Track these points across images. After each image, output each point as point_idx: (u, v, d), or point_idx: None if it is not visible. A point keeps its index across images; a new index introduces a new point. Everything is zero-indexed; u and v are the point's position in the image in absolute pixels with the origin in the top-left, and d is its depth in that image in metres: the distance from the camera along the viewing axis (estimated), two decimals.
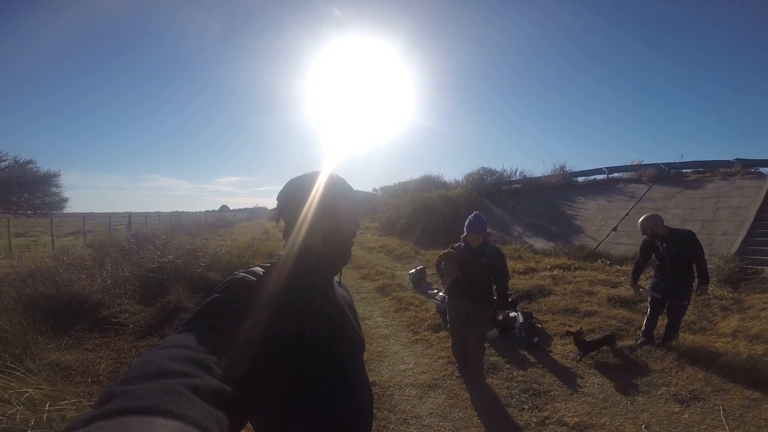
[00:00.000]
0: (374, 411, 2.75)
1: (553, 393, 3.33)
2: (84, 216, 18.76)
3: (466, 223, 3.27)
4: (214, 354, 0.55)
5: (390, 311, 5.81)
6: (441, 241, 11.11)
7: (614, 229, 8.94)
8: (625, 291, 5.56)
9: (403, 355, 4.18)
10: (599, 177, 12.74)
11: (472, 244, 3.23)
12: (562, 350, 4.13)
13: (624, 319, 4.70)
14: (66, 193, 19.29)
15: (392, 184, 23.78)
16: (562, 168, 13.75)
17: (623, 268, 6.88)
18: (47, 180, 18.32)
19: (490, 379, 3.55)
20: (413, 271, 7.59)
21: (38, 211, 18.35)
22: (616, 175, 12.32)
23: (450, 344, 4.32)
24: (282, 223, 1.04)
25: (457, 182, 17.36)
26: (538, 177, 14.28)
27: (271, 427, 0.91)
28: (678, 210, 8.66)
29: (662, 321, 4.07)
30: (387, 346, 4.46)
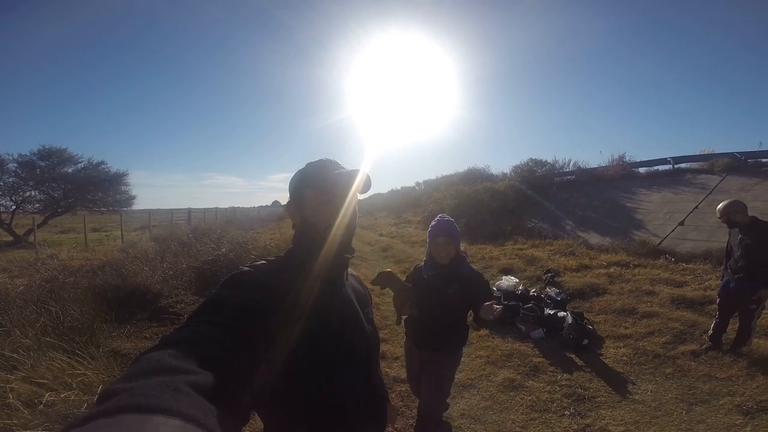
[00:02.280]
0: (403, 409, 2.68)
1: (599, 399, 3.08)
2: (149, 212, 20.32)
3: (429, 229, 2.21)
4: (216, 350, 0.55)
5: None
6: (486, 235, 10.77)
7: (681, 224, 8.14)
8: (692, 291, 5.04)
9: None
10: (663, 167, 11.64)
11: (440, 258, 2.11)
12: (615, 353, 3.82)
13: (688, 322, 4.25)
14: (134, 191, 21.09)
15: (435, 178, 23.45)
16: (621, 158, 12.68)
17: (690, 266, 6.23)
18: (117, 179, 20.13)
19: (530, 382, 3.36)
20: None
21: (110, 208, 20.24)
22: (683, 165, 11.20)
23: (489, 343, 4.15)
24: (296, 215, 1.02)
25: (504, 174, 16.73)
26: (594, 168, 13.32)
27: (279, 424, 0.90)
28: (757, 203, 7.69)
29: (734, 325, 3.64)
30: None
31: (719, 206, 3.68)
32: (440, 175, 23.03)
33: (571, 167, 14.33)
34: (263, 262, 0.92)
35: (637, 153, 22.61)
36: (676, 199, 9.37)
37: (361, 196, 1.03)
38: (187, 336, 0.57)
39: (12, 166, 17.71)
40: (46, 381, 2.89)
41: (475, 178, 17.86)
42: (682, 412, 2.86)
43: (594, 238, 9.08)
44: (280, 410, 0.87)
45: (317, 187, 0.95)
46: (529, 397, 3.12)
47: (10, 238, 17.05)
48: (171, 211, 22.49)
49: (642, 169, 12.33)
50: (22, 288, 6.19)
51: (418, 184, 25.86)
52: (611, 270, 6.50)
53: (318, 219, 0.96)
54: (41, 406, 2.49)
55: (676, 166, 11.28)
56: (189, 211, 22.96)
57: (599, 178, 12.68)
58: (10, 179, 17.73)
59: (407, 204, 21.67)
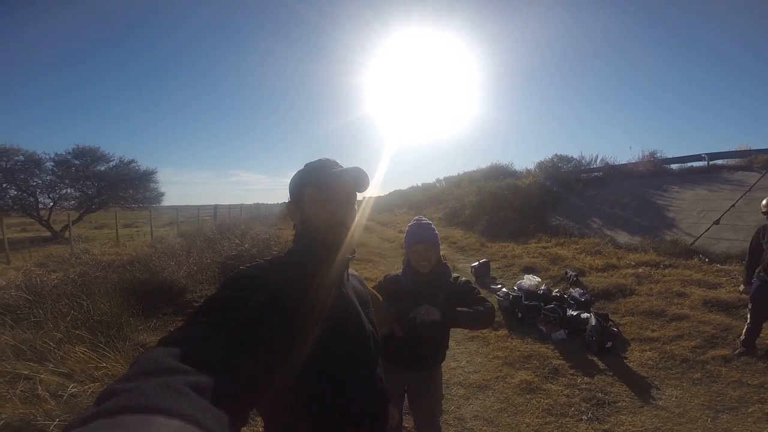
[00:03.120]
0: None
1: (619, 404, 2.96)
2: (177, 208, 21.04)
3: (406, 234, 1.91)
4: (216, 351, 0.55)
5: None
6: (509, 232, 10.57)
7: (716, 223, 7.73)
8: (727, 294, 4.78)
9: (455, 352, 3.98)
10: (697, 164, 11.08)
11: (420, 267, 1.82)
12: (640, 357, 3.66)
13: (721, 326, 4.03)
14: (163, 188, 21.87)
15: (457, 174, 23.17)
16: (652, 154, 12.15)
17: (726, 267, 5.91)
18: (147, 177, 20.91)
19: (548, 385, 3.25)
20: (476, 264, 7.26)
21: (140, 204, 21.05)
22: (718, 161, 10.64)
23: (508, 344, 4.05)
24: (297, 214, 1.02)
25: (528, 171, 16.35)
26: (623, 164, 12.82)
27: (280, 424, 0.91)
28: None
29: None
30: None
31: (764, 201, 3.47)
32: (462, 172, 22.76)
33: (598, 163, 13.87)
34: (264, 261, 0.92)
35: (668, 149, 21.59)
36: (711, 196, 8.91)
37: (360, 195, 1.03)
38: (187, 337, 0.57)
39: (49, 164, 18.65)
40: (73, 373, 3.00)
41: (497, 174, 17.53)
42: (707, 420, 2.71)
43: (622, 237, 8.76)
44: (281, 410, 0.88)
45: (316, 185, 0.95)
46: (546, 401, 3.02)
47: (49, 234, 17.94)
48: (198, 208, 23.15)
49: (674, 166, 11.77)
50: (56, 282, 6.48)
51: (438, 180, 25.67)
52: (640, 270, 6.25)
53: (318, 218, 0.95)
54: (65, 397, 2.58)
55: (711, 162, 10.72)
56: (215, 207, 23.56)
57: (628, 175, 12.21)
58: (48, 177, 18.67)
59: (428, 201, 21.52)
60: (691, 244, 7.35)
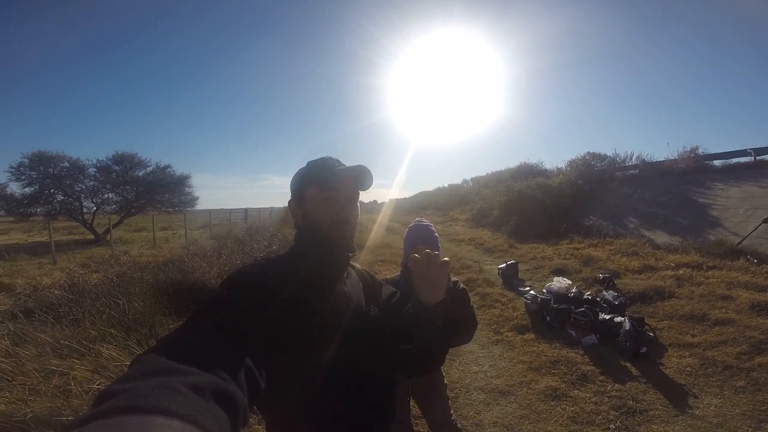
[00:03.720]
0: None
1: (652, 413, 2.76)
2: (210, 212, 21.83)
3: (405, 236, 1.84)
4: (215, 351, 0.54)
5: None
6: (539, 233, 10.25)
7: (766, 221, 7.19)
8: None
9: (478, 356, 3.87)
10: (744, 159, 10.35)
11: None
12: (678, 363, 3.42)
13: None
14: (197, 193, 22.77)
15: (484, 174, 22.80)
16: (693, 150, 11.45)
17: None
18: (182, 181, 21.85)
19: (575, 392, 3.09)
20: (503, 265, 7.05)
21: (176, 208, 22.00)
22: (766, 156, 9.90)
23: (534, 348, 3.89)
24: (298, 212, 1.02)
25: (558, 170, 15.85)
26: (661, 161, 12.14)
27: (281, 423, 0.91)
28: None
29: None
30: (463, 345, 4.15)
31: None
32: (490, 171, 22.41)
33: (633, 161, 13.24)
34: (264, 260, 0.94)
35: (709, 145, 20.29)
36: (759, 193, 8.29)
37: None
38: (185, 337, 0.57)
39: (91, 170, 19.78)
40: (105, 369, 3.13)
41: (527, 173, 17.09)
42: (748, 430, 2.50)
43: (661, 237, 8.31)
44: (283, 410, 0.87)
45: (319, 183, 0.95)
46: (572, 408, 2.86)
47: (92, 236, 18.99)
48: (229, 211, 23.91)
49: (717, 162, 11.04)
50: (96, 282, 6.83)
51: (465, 181, 25.36)
52: (680, 272, 5.87)
53: (320, 216, 0.95)
54: (91, 392, 2.67)
55: (758, 157, 9.99)
56: (245, 210, 24.25)
57: (667, 172, 11.54)
58: (91, 183, 19.81)
59: (454, 201, 21.23)
60: (738, 244, 6.86)
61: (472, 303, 1.83)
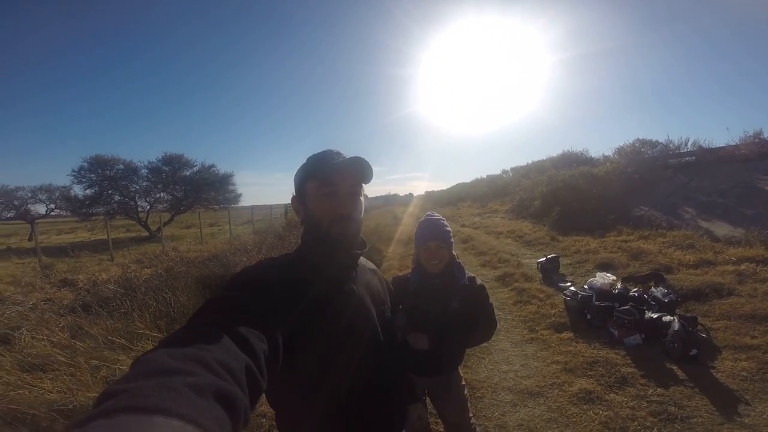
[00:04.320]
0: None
1: (694, 420, 2.51)
2: (252, 208, 22.73)
3: (416, 231, 1.75)
4: (216, 352, 0.54)
5: (507, 304, 5.25)
6: (583, 225, 9.72)
7: None
8: None
9: (509, 355, 3.71)
10: None
11: (431, 267, 1.68)
12: (732, 367, 3.09)
13: None
14: (240, 190, 23.82)
15: (525, 164, 21.99)
16: (757, 135, 10.48)
17: None
18: (226, 180, 22.92)
19: (611, 395, 2.87)
20: (543, 259, 6.72)
21: (221, 205, 23.14)
22: None
23: (571, 348, 3.68)
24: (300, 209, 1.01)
25: (605, 157, 14.91)
26: (720, 147, 11.23)
27: (291, 424, 0.92)
28: None
29: None
30: (494, 342, 3.99)
31: None
32: (530, 161, 21.61)
33: (689, 147, 12.26)
34: (269, 260, 0.92)
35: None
36: None
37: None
38: (188, 337, 0.56)
39: (144, 172, 21.20)
40: None
41: (570, 162, 16.30)
42: None
43: (721, 229, 7.60)
44: (291, 411, 0.89)
45: (318, 178, 0.92)
46: (606, 413, 2.66)
47: (146, 234, 20.36)
48: (270, 207, 24.74)
49: None
50: (147, 277, 7.29)
51: (505, 171, 24.62)
52: (742, 267, 5.32)
53: (321, 212, 0.92)
54: None
55: None
56: (285, 206, 24.99)
57: (727, 159, 10.60)
58: (144, 183, 21.25)
59: (493, 193, 20.63)
60: None
61: (491, 301, 1.75)
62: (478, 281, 1.74)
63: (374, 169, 0.95)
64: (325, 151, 0.96)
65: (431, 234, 1.67)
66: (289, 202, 1.04)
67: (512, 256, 8.08)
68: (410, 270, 1.77)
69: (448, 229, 1.71)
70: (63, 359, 3.30)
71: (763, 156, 9.88)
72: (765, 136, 10.46)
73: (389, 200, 61.86)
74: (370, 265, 1.15)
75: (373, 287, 1.07)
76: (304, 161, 0.98)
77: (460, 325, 1.66)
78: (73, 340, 3.79)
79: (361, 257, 1.07)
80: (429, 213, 1.80)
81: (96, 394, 2.71)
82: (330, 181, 0.91)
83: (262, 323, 0.67)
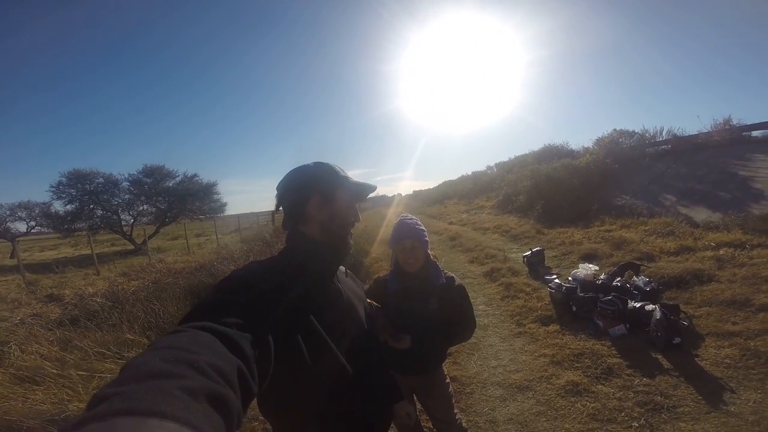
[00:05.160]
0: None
1: (681, 409, 2.57)
2: (239, 216, 22.52)
3: (391, 233, 1.82)
4: (207, 355, 0.54)
5: (495, 299, 5.31)
6: (567, 217, 9.88)
7: None
8: None
9: (498, 350, 3.76)
10: None
11: (408, 266, 1.74)
12: (715, 354, 3.17)
13: None
14: (225, 199, 23.54)
15: (508, 159, 22.25)
16: (727, 122, 10.86)
17: None
18: (210, 189, 22.59)
19: (598, 387, 2.93)
20: (528, 253, 6.79)
21: (206, 215, 22.81)
22: None
23: (558, 341, 3.75)
24: (281, 213, 1.07)
25: (585, 149, 15.19)
26: (694, 135, 11.57)
27: (283, 426, 0.94)
28: None
29: None
30: (483, 338, 4.06)
31: None
32: (513, 156, 21.85)
33: (664, 135, 12.60)
34: (257, 263, 0.93)
35: (744, 115, 19.10)
36: None
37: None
38: (178, 340, 0.56)
39: (125, 184, 20.80)
40: None
41: (552, 155, 16.52)
42: None
43: (700, 214, 7.79)
44: (285, 411, 0.90)
45: (323, 193, 0.99)
46: (593, 404, 2.72)
47: (132, 247, 19.99)
48: (257, 215, 24.53)
49: (756, 133, 10.38)
50: (134, 289, 7.19)
51: (489, 167, 24.84)
52: (721, 252, 5.46)
53: (346, 220, 1.03)
54: None
55: None
56: (273, 212, 24.90)
57: (701, 146, 10.93)
58: (126, 196, 20.85)
59: (479, 189, 20.84)
60: None
61: (471, 300, 1.82)
62: (457, 281, 1.80)
63: (362, 171, 1.07)
64: (330, 166, 1.04)
65: (405, 233, 1.73)
66: (273, 208, 1.10)
67: (499, 251, 8.17)
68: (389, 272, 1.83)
69: (422, 228, 1.77)
70: (54, 371, 3.29)
71: (735, 142, 10.20)
72: (734, 123, 10.82)
73: (377, 201, 61.79)
74: (343, 267, 1.21)
75: (352, 287, 1.15)
76: (308, 168, 1.03)
77: (440, 325, 1.71)
78: (62, 353, 3.76)
79: None
80: (402, 215, 1.85)
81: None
82: (334, 200, 1.00)
83: (252, 326, 0.67)
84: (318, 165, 1.04)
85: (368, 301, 1.37)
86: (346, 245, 1.04)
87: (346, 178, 1.03)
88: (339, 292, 1.02)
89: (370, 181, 1.06)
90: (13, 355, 3.75)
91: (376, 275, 1.95)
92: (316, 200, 1.01)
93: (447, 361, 3.41)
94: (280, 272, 0.88)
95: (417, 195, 42.81)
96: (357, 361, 0.97)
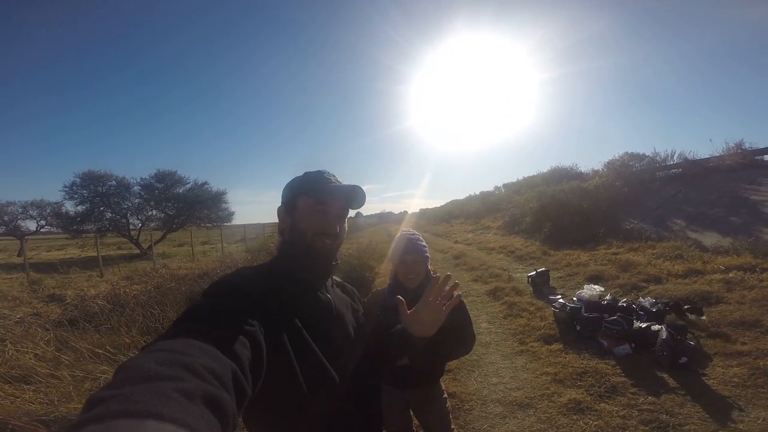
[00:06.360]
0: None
1: (687, 427, 2.49)
2: (245, 226, 22.63)
3: (392, 248, 1.81)
4: (202, 358, 0.54)
5: (498, 317, 5.23)
6: (574, 239, 9.77)
7: None
8: None
9: (499, 367, 3.68)
10: None
11: (407, 282, 1.72)
12: (723, 374, 3.08)
13: None
14: (235, 208, 23.67)
15: (515, 180, 22.17)
16: (739, 145, 10.73)
17: None
18: (219, 197, 22.76)
19: (601, 405, 2.84)
20: (533, 273, 6.74)
21: (214, 223, 22.93)
22: None
23: (561, 359, 3.65)
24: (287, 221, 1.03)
25: (594, 172, 15.10)
26: (705, 158, 11.43)
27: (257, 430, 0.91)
28: None
29: None
30: (484, 355, 3.99)
31: None
32: (521, 177, 21.78)
33: (675, 159, 12.47)
34: (247, 268, 0.93)
35: (757, 139, 18.94)
36: None
37: (353, 212, 1.08)
38: (171, 344, 0.56)
39: (136, 188, 21.04)
40: None
41: (560, 177, 16.43)
42: None
43: (709, 239, 7.68)
44: (266, 419, 0.87)
45: (313, 195, 0.97)
46: (596, 422, 2.63)
47: (138, 251, 20.10)
48: (263, 225, 24.64)
49: None
50: (135, 293, 7.19)
51: (497, 188, 24.77)
52: (730, 275, 5.38)
53: (307, 226, 0.96)
54: None
55: None
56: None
57: (713, 170, 10.80)
58: (136, 200, 21.05)
59: (486, 209, 20.75)
60: None
61: (470, 315, 1.77)
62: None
63: (370, 186, 1.01)
64: (321, 171, 1.01)
65: (408, 249, 1.69)
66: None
67: (504, 270, 8.09)
68: (387, 285, 1.79)
69: (424, 244, 1.74)
70: (46, 371, 3.27)
71: (746, 166, 10.10)
72: (746, 147, 10.68)
73: (383, 218, 61.91)
74: (338, 279, 1.20)
75: (342, 297, 1.12)
76: (300, 174, 1.02)
77: (439, 340, 1.66)
78: (57, 353, 3.74)
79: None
80: (405, 230, 1.82)
81: (79, 405, 2.68)
82: (323, 201, 0.95)
83: (244, 329, 0.68)
84: (304, 174, 1.03)
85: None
86: (317, 255, 0.96)
87: (315, 186, 0.97)
88: (327, 299, 1.00)
89: (378, 197, 0.99)
90: (8, 354, 3.74)
91: (375, 289, 1.92)
92: (280, 209, 1.03)
93: (446, 377, 3.36)
94: (270, 278, 0.89)
95: (423, 213, 42.85)
96: (344, 371, 0.96)
